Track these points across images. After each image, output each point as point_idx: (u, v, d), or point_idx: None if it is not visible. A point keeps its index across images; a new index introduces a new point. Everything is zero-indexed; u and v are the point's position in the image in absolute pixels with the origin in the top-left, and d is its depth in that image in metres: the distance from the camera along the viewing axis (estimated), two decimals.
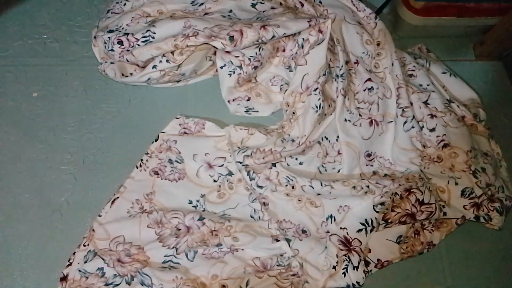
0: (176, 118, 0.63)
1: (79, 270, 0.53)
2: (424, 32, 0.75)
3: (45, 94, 0.64)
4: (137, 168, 0.60)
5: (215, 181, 0.60)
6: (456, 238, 0.62)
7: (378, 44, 0.67)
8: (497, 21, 0.73)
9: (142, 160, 0.60)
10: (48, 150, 0.61)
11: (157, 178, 0.59)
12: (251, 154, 0.60)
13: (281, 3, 0.67)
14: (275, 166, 0.60)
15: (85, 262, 0.53)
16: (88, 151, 0.61)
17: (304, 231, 0.58)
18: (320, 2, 0.68)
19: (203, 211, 0.58)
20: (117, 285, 0.52)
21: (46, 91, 0.64)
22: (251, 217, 0.58)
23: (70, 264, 0.53)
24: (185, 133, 0.63)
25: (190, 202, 0.59)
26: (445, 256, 0.61)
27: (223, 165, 0.61)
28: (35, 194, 0.58)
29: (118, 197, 0.57)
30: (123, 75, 0.62)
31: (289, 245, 0.56)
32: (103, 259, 0.53)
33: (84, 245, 0.54)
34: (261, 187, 0.60)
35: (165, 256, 0.55)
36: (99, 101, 0.65)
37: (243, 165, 0.60)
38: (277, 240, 0.56)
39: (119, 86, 0.66)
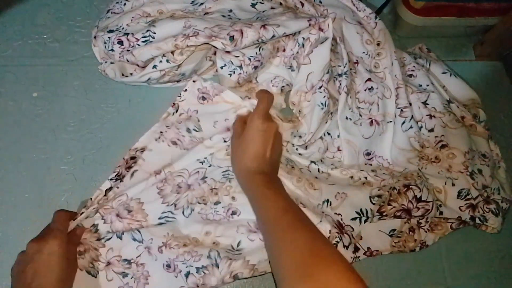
0: (194, 81, 0.64)
1: (78, 224, 0.54)
2: (424, 32, 0.75)
3: (45, 94, 0.64)
4: (155, 140, 0.61)
5: (225, 141, 0.61)
6: (456, 238, 0.62)
7: (378, 44, 0.67)
8: (497, 21, 0.73)
9: (161, 132, 0.61)
10: (48, 150, 0.61)
11: (175, 149, 0.61)
12: None
13: (281, 3, 0.67)
14: None
15: (86, 218, 0.55)
16: (88, 151, 0.61)
17: (302, 203, 0.59)
18: (320, 1, 0.68)
19: (210, 166, 0.60)
20: (109, 239, 0.54)
21: (46, 91, 0.64)
22: None
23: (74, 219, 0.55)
24: (203, 97, 0.63)
25: (198, 159, 0.60)
26: (445, 256, 0.61)
27: None
28: (35, 194, 0.58)
29: (137, 170, 0.58)
30: (123, 75, 0.62)
31: None
32: (101, 215, 0.55)
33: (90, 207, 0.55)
34: None
35: (162, 213, 0.56)
36: (99, 101, 0.65)
37: None
38: None
39: (119, 86, 0.66)
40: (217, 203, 0.58)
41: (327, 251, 0.44)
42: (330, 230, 0.56)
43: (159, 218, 0.56)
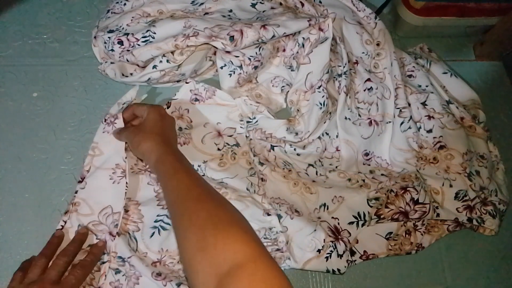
0: (186, 83, 0.64)
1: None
2: (424, 32, 0.75)
3: (45, 94, 0.64)
4: None
5: (219, 149, 0.61)
6: (456, 238, 0.62)
7: (378, 44, 0.67)
8: (497, 21, 0.73)
9: None
10: (48, 150, 0.61)
11: None
12: (254, 129, 0.62)
13: (281, 3, 0.67)
14: (273, 150, 0.60)
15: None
16: (88, 151, 0.61)
17: (297, 211, 0.59)
18: (320, 1, 0.68)
19: (203, 175, 0.60)
20: (103, 262, 0.53)
21: (46, 91, 0.64)
22: (247, 189, 0.59)
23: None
24: (196, 99, 0.63)
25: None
26: (445, 256, 0.61)
27: (232, 135, 0.62)
28: (35, 194, 0.58)
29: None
30: (123, 75, 0.62)
31: (280, 221, 0.57)
32: (95, 234, 0.54)
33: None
34: (262, 164, 0.61)
35: (157, 216, 0.56)
36: (99, 101, 0.65)
37: (250, 139, 0.61)
38: (268, 214, 0.57)
39: (119, 86, 0.66)
40: None
41: (228, 219, 0.43)
42: (324, 239, 0.56)
43: (155, 222, 0.56)
